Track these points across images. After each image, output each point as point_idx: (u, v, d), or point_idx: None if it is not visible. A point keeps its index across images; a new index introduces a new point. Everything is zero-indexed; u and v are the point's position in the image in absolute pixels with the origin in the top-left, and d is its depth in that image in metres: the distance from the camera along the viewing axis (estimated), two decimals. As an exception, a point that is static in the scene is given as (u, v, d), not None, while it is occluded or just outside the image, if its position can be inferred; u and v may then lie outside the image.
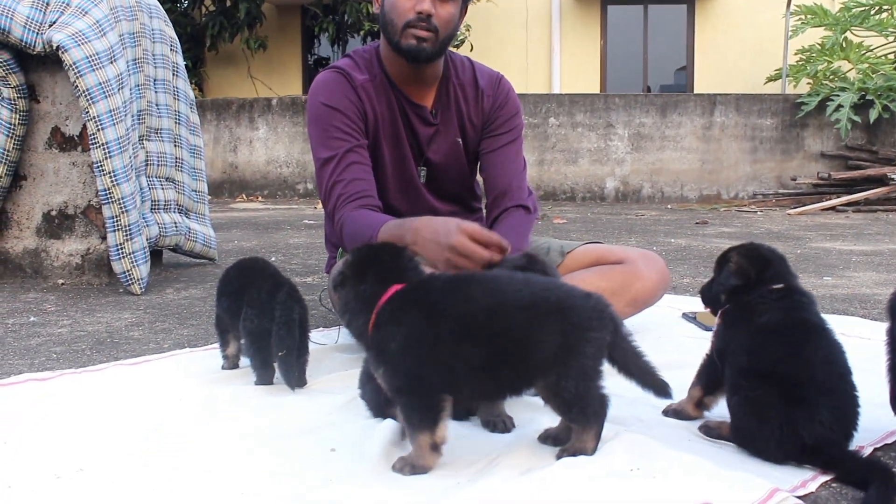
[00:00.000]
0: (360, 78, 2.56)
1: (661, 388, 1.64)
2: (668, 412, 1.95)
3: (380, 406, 1.89)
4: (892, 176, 9.33)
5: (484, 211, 2.83)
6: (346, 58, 2.65)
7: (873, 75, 10.37)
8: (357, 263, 1.71)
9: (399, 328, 1.61)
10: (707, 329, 2.14)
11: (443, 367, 1.59)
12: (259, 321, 2.18)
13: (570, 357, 1.57)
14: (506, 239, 2.08)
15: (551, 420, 1.88)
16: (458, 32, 2.61)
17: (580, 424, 1.62)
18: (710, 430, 1.84)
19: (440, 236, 2.05)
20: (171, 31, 4.41)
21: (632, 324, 2.81)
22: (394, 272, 1.69)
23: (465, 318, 1.59)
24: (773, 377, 1.68)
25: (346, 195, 2.43)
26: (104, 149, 3.57)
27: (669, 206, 10.22)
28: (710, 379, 1.89)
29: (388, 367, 1.62)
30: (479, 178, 2.79)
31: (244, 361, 2.37)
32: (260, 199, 11.23)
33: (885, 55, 10.97)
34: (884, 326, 2.98)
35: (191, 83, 4.78)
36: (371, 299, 1.65)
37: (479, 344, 1.57)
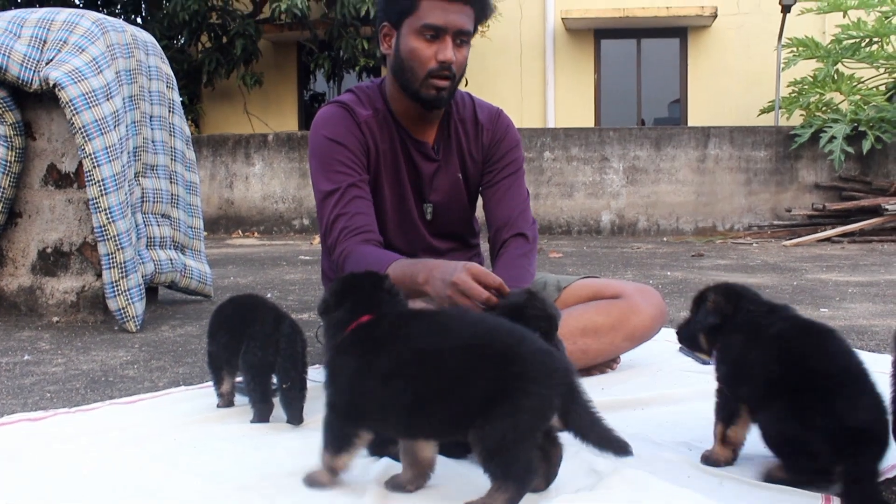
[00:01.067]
0: (363, 113, 2.56)
1: (621, 448, 1.55)
2: (702, 460, 1.88)
3: (376, 445, 1.87)
4: (887, 206, 9.36)
5: (483, 245, 2.83)
6: (349, 93, 2.65)
7: (865, 107, 10.44)
8: (338, 292, 1.75)
9: (347, 358, 1.65)
10: (705, 363, 2.12)
11: (375, 402, 1.60)
12: (262, 354, 2.17)
13: (502, 405, 1.50)
14: (509, 273, 2.10)
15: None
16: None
17: (496, 480, 1.52)
18: (709, 460, 1.85)
19: (446, 274, 2.06)
20: (167, 68, 4.43)
21: (629, 358, 2.81)
22: (368, 302, 1.71)
23: (399, 354, 1.60)
24: (801, 379, 1.69)
25: (349, 229, 2.43)
26: (100, 186, 3.58)
27: (665, 239, 10.24)
28: (726, 411, 1.86)
29: (331, 389, 1.68)
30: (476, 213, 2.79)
31: (239, 399, 2.35)
32: (256, 234, 11.24)
33: (877, 87, 11.05)
34: (882, 358, 2.98)
35: (187, 119, 4.80)
36: (341, 327, 1.69)
37: (410, 382, 1.57)
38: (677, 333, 2.02)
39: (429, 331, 1.63)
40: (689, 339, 1.97)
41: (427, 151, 2.63)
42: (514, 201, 2.66)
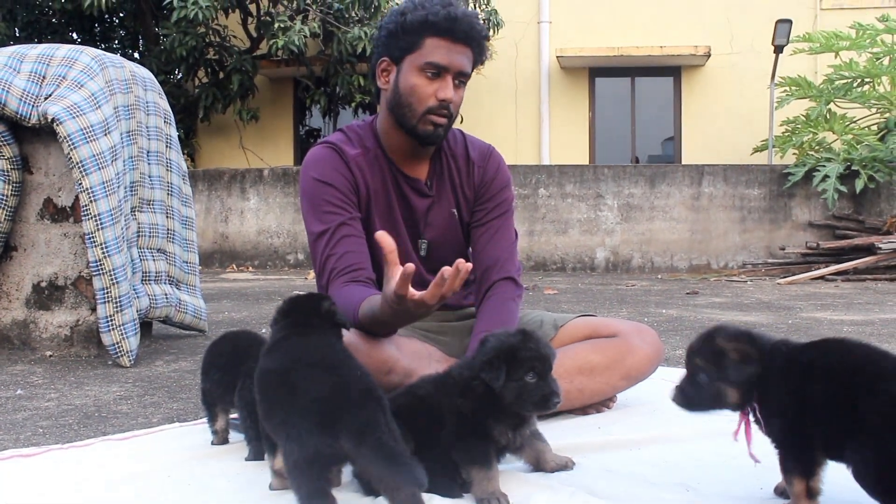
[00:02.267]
0: (352, 152, 2.56)
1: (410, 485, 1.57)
2: None
3: (369, 483, 1.86)
4: (880, 245, 9.40)
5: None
6: (338, 132, 2.66)
7: (858, 146, 10.52)
8: (280, 310, 1.96)
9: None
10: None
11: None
12: None
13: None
14: (500, 318, 2.30)
15: (548, 498, 1.86)
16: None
17: None
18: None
19: (387, 297, 2.04)
20: (165, 104, 4.45)
21: (625, 397, 2.80)
22: (296, 324, 1.90)
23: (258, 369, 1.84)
24: (885, 403, 1.56)
25: (337, 269, 2.42)
26: (96, 220, 3.58)
27: (660, 276, 10.25)
28: (804, 462, 1.68)
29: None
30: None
31: (234, 436, 2.33)
32: (250, 269, 11.22)
33: (869, 126, 11.15)
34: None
35: (183, 153, 4.81)
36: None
37: (265, 399, 1.78)
38: (685, 399, 1.81)
39: (281, 352, 1.84)
40: (711, 400, 1.78)
41: (420, 187, 2.63)
42: (502, 243, 2.66)
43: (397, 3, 12.77)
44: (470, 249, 2.77)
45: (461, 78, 2.47)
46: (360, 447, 1.56)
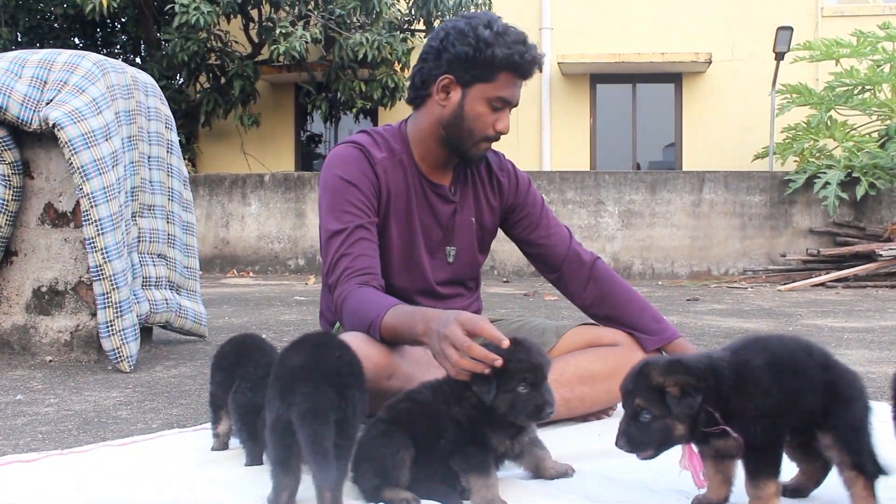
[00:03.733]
0: (378, 155, 2.57)
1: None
2: None
3: (373, 490, 1.86)
4: (881, 252, 9.39)
5: (490, 290, 2.83)
6: (363, 134, 2.65)
7: (858, 153, 10.52)
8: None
9: None
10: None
11: None
12: (251, 395, 2.15)
13: None
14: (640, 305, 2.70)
15: (546, 503, 1.85)
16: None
17: None
18: None
19: (441, 326, 2.00)
20: (166, 109, 4.45)
21: (626, 404, 2.79)
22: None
23: None
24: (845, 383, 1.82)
25: (351, 269, 2.42)
26: (97, 225, 3.58)
27: (660, 283, 10.24)
28: (779, 461, 1.74)
29: None
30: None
31: (235, 442, 2.33)
32: (251, 274, 11.22)
33: (869, 133, 11.15)
34: (879, 406, 2.96)
35: (184, 158, 4.82)
36: None
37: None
38: (632, 442, 1.75)
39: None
40: (660, 438, 1.73)
41: (445, 193, 2.65)
42: (563, 231, 2.85)
43: (399, 10, 12.75)
44: (482, 260, 2.82)
45: (513, 107, 2.58)
46: (300, 430, 1.67)
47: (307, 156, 15.18)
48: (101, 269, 3.61)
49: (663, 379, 1.71)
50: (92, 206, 3.57)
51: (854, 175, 10.06)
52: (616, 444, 1.76)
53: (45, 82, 3.74)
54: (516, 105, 2.57)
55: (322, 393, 1.70)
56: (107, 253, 3.61)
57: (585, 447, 2.33)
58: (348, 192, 2.50)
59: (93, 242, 3.59)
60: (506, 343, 1.87)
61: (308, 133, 15.60)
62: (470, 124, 2.52)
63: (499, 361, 1.83)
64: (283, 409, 1.71)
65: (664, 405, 1.70)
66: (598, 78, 14.45)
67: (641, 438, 1.73)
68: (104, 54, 4.31)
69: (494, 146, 2.72)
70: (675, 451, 2.29)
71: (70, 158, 3.55)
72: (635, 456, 1.78)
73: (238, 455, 2.23)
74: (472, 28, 2.49)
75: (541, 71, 2.56)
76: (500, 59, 2.46)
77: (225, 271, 11.34)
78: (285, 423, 1.70)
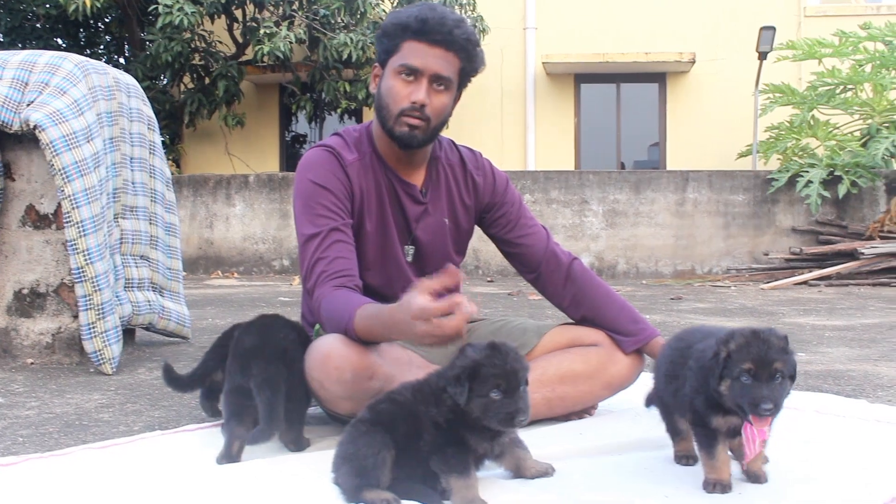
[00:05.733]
0: (349, 157, 2.58)
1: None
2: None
3: (353, 490, 1.86)
4: (863, 251, 9.45)
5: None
6: (336, 136, 2.66)
7: (841, 152, 10.59)
8: None
9: None
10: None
11: None
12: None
13: None
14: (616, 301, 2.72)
15: (527, 502, 1.86)
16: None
17: None
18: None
19: (404, 313, 2.02)
20: (148, 111, 4.44)
21: (606, 403, 2.80)
22: None
23: None
24: None
25: (327, 273, 2.42)
26: (79, 227, 3.56)
27: (644, 282, 10.28)
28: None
29: None
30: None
31: (216, 442, 2.33)
32: (235, 275, 11.19)
33: (851, 132, 11.22)
34: (858, 403, 3.00)
35: (168, 159, 4.81)
36: None
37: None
38: (778, 408, 1.83)
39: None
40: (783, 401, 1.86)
41: (415, 194, 2.65)
42: (541, 232, 2.82)
43: (384, 10, 12.77)
44: (458, 260, 2.81)
45: (440, 82, 2.48)
46: (258, 397, 2.14)
47: (292, 156, 15.15)
48: (83, 271, 3.60)
49: (787, 344, 1.85)
50: (74, 208, 3.56)
51: (836, 174, 10.12)
52: (762, 408, 1.80)
53: (27, 84, 3.72)
54: (434, 74, 2.45)
55: (274, 368, 2.19)
56: (89, 255, 3.60)
57: (566, 446, 2.34)
58: (321, 195, 2.51)
59: (74, 244, 3.58)
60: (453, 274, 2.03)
61: (293, 133, 15.57)
62: (385, 100, 2.51)
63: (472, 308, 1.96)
64: (242, 378, 2.18)
65: (791, 368, 1.85)
66: (583, 77, 14.49)
67: (779, 400, 1.83)
68: (87, 55, 4.29)
69: (472, 142, 2.71)
70: (651, 450, 2.31)
71: (51, 160, 3.54)
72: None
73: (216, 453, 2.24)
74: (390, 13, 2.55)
75: (443, 30, 2.44)
76: (395, 27, 2.47)
77: (209, 272, 11.31)
78: (242, 389, 2.17)
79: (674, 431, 2.19)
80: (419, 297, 1.98)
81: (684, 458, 2.18)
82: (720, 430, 1.93)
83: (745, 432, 1.90)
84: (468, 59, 2.53)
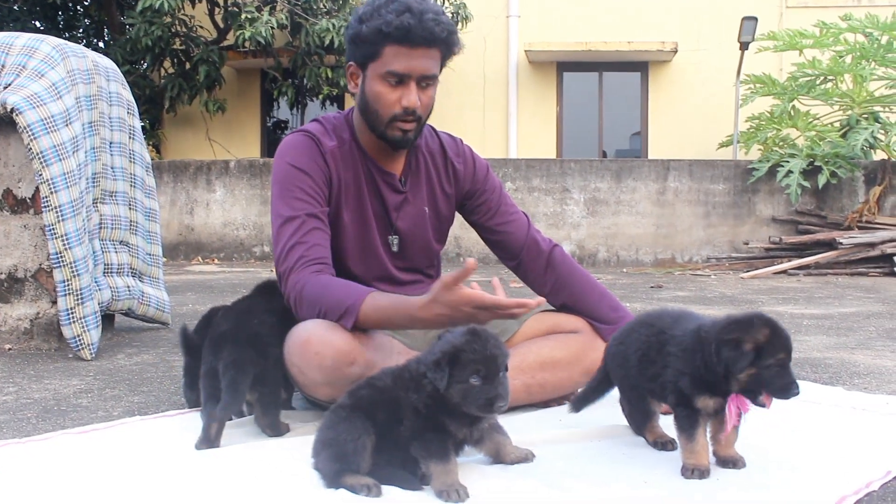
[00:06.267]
0: (328, 144, 2.57)
1: None
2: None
3: (333, 475, 1.87)
4: (841, 240, 9.53)
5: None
6: (315, 122, 2.65)
7: (820, 142, 10.65)
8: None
9: None
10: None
11: None
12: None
13: None
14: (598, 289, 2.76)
15: (507, 489, 1.87)
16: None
17: None
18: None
19: (451, 309, 2.15)
20: (128, 95, 4.41)
21: (587, 390, 2.81)
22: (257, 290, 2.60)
23: None
24: None
25: (307, 258, 2.41)
26: (57, 212, 3.54)
27: (625, 270, 10.32)
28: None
29: None
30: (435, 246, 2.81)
31: (190, 425, 2.32)
32: (216, 261, 11.15)
33: (831, 123, 11.29)
34: (834, 391, 3.02)
35: (148, 144, 4.78)
36: None
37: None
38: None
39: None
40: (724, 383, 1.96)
41: (394, 183, 2.64)
42: (521, 219, 2.82)
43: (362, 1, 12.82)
44: (438, 248, 2.81)
45: (426, 81, 2.47)
46: (223, 376, 2.20)
47: (273, 142, 15.07)
48: (61, 256, 3.57)
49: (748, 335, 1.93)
50: (52, 193, 3.53)
51: (816, 164, 10.19)
52: (792, 392, 1.91)
53: (3, 66, 3.68)
54: (421, 76, 2.44)
55: (243, 351, 2.23)
56: (67, 240, 3.57)
57: (546, 433, 2.35)
58: (299, 179, 2.50)
59: (53, 229, 3.55)
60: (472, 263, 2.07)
61: (274, 119, 15.50)
62: (374, 106, 2.48)
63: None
64: (214, 361, 2.23)
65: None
66: (565, 66, 14.49)
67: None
68: (66, 38, 4.25)
69: (454, 130, 2.71)
70: (630, 436, 2.33)
71: (29, 144, 3.50)
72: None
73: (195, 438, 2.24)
74: (358, 10, 2.49)
75: (424, 33, 2.38)
76: (374, 34, 2.40)
77: (189, 258, 11.26)
78: (216, 372, 2.22)
79: (643, 415, 2.23)
80: (450, 294, 2.12)
81: (660, 445, 2.20)
82: (705, 410, 1.97)
83: (730, 403, 1.96)
84: (448, 48, 2.52)
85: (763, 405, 1.95)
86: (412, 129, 2.50)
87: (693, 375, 1.96)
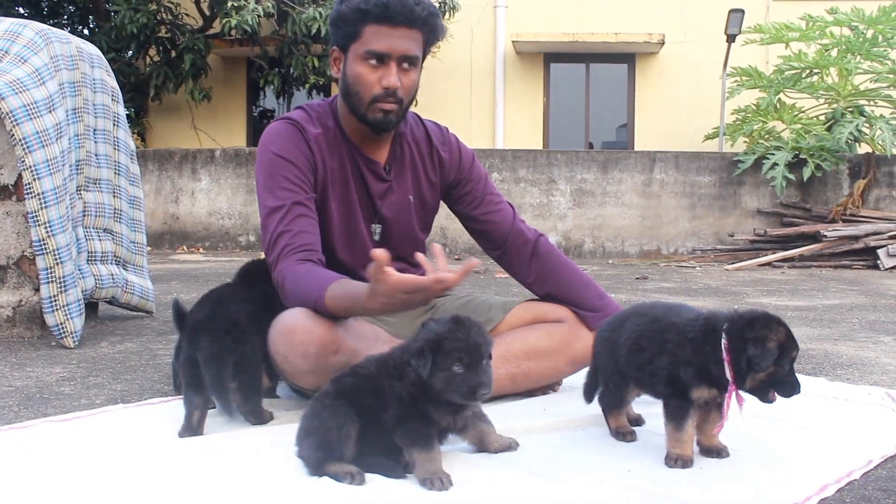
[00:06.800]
0: (313, 131, 2.55)
1: None
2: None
3: (317, 463, 1.86)
4: (826, 233, 9.58)
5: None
6: (300, 110, 2.64)
7: (806, 135, 10.68)
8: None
9: None
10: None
11: None
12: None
13: None
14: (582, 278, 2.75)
15: (491, 478, 1.87)
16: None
17: None
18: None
19: (388, 297, 2.07)
20: (112, 82, 4.37)
21: (571, 379, 2.82)
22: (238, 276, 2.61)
23: None
24: None
25: (291, 246, 2.40)
26: (40, 199, 3.51)
27: (610, 262, 10.34)
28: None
29: None
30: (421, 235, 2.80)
31: (173, 414, 2.31)
32: (201, 250, 11.11)
33: (817, 116, 11.33)
34: (818, 381, 3.04)
35: (133, 133, 4.74)
36: None
37: None
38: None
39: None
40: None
41: (378, 171, 2.63)
42: (506, 209, 2.81)
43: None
44: (423, 237, 2.80)
45: (407, 62, 2.46)
46: (205, 372, 2.17)
47: (259, 131, 14.95)
48: (44, 244, 3.55)
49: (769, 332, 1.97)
50: (35, 179, 3.50)
51: (801, 157, 10.22)
52: (798, 391, 1.96)
53: (-14, 51, 3.64)
54: (402, 56, 2.43)
55: (220, 342, 2.20)
56: (50, 227, 3.55)
57: (530, 422, 2.35)
58: (283, 168, 2.49)
59: (36, 216, 3.52)
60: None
61: (260, 108, 15.43)
62: (355, 87, 2.48)
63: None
64: (192, 350, 2.22)
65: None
66: (552, 57, 14.47)
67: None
68: (51, 25, 4.20)
69: (441, 120, 2.70)
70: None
71: (11, 130, 3.47)
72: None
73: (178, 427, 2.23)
74: None
75: (404, 11, 2.39)
76: (354, 13, 2.41)
77: (174, 247, 11.21)
78: (194, 360, 2.20)
79: (618, 402, 2.24)
80: (378, 282, 2.05)
81: (621, 435, 2.22)
82: (699, 401, 1.99)
83: (729, 396, 1.98)
84: (431, 32, 2.50)
85: (771, 401, 1.98)
86: (393, 110, 2.48)
87: (698, 366, 1.97)
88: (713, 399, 2.00)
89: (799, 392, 1.95)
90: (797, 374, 1.98)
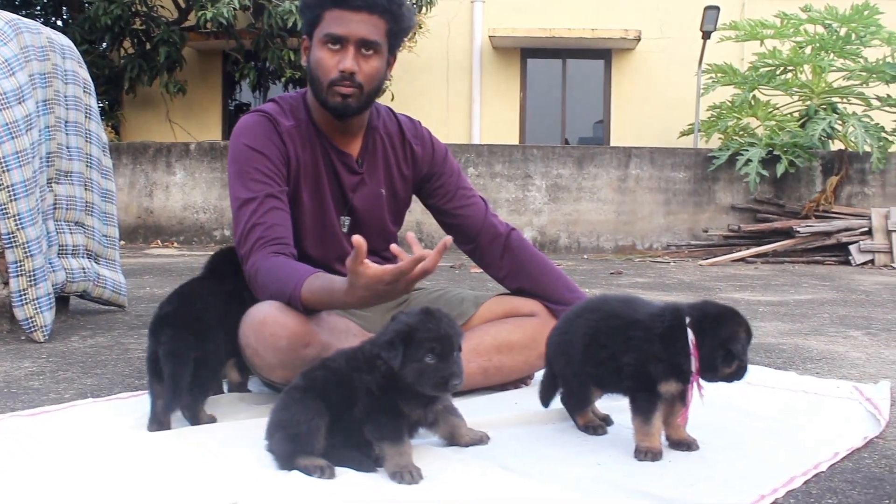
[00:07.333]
0: (285, 124, 2.55)
1: None
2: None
3: (287, 457, 1.86)
4: (798, 229, 9.66)
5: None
6: (272, 102, 2.63)
7: (780, 132, 10.76)
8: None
9: None
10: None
11: None
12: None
13: None
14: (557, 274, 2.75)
15: (462, 471, 1.87)
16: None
17: None
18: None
19: (368, 290, 2.06)
20: (84, 73, 4.33)
21: (542, 374, 2.82)
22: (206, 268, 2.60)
23: None
24: None
25: (265, 239, 2.39)
26: (9, 191, 3.47)
27: (585, 257, 10.38)
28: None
29: None
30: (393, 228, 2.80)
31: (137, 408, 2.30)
32: (175, 245, 11.04)
33: (791, 113, 11.41)
34: (788, 375, 3.07)
35: (107, 126, 4.70)
36: None
37: None
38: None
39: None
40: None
41: (350, 164, 2.62)
42: (479, 203, 2.81)
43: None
44: (395, 230, 2.79)
45: (367, 47, 2.46)
46: (164, 368, 2.15)
47: (234, 125, 14.88)
48: (13, 237, 3.51)
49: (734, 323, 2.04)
50: (4, 172, 3.46)
51: (775, 153, 10.30)
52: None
53: (-46, 42, 3.59)
54: (360, 39, 2.43)
55: (181, 337, 2.18)
56: (20, 220, 3.51)
57: (502, 415, 2.36)
58: (256, 160, 2.48)
59: (5, 209, 3.48)
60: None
61: (236, 102, 15.32)
62: (315, 72, 2.49)
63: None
64: (154, 345, 2.20)
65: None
66: (529, 52, 14.49)
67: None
68: (23, 16, 4.15)
69: (417, 115, 2.70)
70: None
71: (-20, 121, 3.43)
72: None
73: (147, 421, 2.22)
74: None
75: None
76: None
77: (148, 242, 11.13)
78: (157, 356, 2.18)
79: (582, 403, 2.24)
80: (355, 275, 2.03)
81: (591, 429, 2.23)
82: (666, 395, 2.00)
83: (691, 387, 2.01)
84: (394, 20, 2.50)
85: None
86: (352, 93, 2.47)
87: (668, 362, 1.98)
88: (679, 392, 2.01)
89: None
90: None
